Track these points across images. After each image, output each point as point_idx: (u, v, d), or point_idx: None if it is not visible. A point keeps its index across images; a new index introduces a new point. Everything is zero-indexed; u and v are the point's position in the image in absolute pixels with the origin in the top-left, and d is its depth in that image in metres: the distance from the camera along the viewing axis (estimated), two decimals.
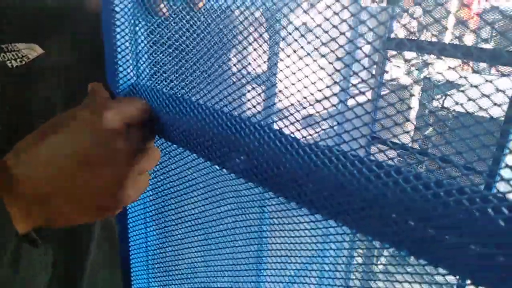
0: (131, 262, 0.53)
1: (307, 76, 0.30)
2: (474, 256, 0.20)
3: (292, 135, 0.28)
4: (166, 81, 0.41)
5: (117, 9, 0.39)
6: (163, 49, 0.41)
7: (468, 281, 0.21)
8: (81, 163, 0.31)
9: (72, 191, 0.31)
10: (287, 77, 0.30)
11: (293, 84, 0.30)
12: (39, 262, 0.31)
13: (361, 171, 0.24)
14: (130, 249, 0.53)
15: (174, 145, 0.41)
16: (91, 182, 0.31)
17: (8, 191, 0.28)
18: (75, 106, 0.34)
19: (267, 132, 0.29)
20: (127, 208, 0.50)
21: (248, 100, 0.34)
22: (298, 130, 0.29)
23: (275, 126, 0.29)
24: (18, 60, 0.44)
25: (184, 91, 0.39)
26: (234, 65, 0.35)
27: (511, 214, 0.18)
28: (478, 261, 0.19)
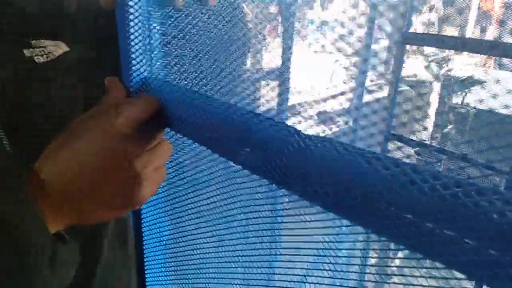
0: (145, 257, 0.54)
1: (322, 72, 0.29)
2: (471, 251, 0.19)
3: (303, 130, 0.28)
4: (178, 74, 0.40)
5: (131, 3, 0.39)
6: (176, 42, 0.41)
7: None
8: (96, 167, 0.33)
9: (93, 193, 0.33)
10: (301, 73, 0.30)
11: (307, 79, 0.30)
12: (70, 260, 0.34)
13: (373, 165, 0.23)
14: (144, 243, 0.53)
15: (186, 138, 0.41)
16: (107, 184, 0.33)
17: (40, 194, 0.31)
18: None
19: (278, 127, 0.28)
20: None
21: (259, 95, 0.33)
22: (310, 126, 0.29)
23: (288, 122, 0.29)
24: (44, 56, 0.45)
25: (196, 84, 0.39)
26: (248, 59, 0.34)
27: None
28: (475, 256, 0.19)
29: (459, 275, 0.21)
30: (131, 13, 0.39)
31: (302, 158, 0.27)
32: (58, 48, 0.45)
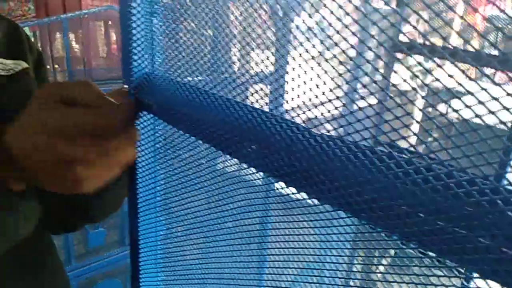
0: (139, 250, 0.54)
1: (313, 77, 0.30)
2: (483, 249, 0.20)
3: (304, 125, 0.29)
4: (180, 70, 0.41)
5: None
6: (179, 38, 0.42)
7: (476, 274, 0.21)
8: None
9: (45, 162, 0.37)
10: (297, 75, 0.31)
11: (304, 82, 0.31)
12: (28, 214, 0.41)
13: (372, 162, 0.24)
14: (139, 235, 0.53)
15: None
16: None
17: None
18: None
19: (279, 122, 0.30)
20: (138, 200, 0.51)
21: (258, 90, 0.34)
22: (304, 121, 0.30)
23: (287, 116, 0.30)
24: (5, 71, 0.52)
25: (198, 81, 0.40)
26: (246, 55, 0.35)
27: None
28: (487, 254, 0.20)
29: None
30: (134, 7, 0.40)
31: (302, 153, 0.28)
32: (19, 66, 0.53)
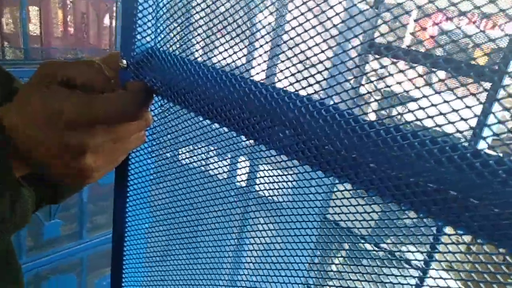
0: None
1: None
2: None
3: (344, 110, 0.27)
4: (186, 47, 0.37)
5: None
6: (186, 12, 0.38)
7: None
8: (39, 123, 0.32)
9: (39, 147, 0.33)
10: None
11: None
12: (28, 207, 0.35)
13: (406, 144, 0.23)
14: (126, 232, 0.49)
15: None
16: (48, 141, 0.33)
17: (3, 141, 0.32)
18: None
19: (317, 108, 0.27)
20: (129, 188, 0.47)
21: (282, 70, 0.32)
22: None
23: (325, 101, 0.28)
24: None
25: (208, 58, 0.37)
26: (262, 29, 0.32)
27: None
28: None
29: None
30: None
31: (341, 139, 0.26)
32: None
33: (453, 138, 0.23)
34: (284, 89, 0.29)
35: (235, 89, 0.31)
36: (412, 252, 0.27)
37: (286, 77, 0.29)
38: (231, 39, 0.35)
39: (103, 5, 3.29)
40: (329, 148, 0.26)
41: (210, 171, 0.42)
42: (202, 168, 0.42)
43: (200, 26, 0.37)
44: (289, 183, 0.34)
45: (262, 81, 0.31)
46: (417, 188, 0.23)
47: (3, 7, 3.09)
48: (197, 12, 0.36)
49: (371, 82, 0.28)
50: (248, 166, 0.46)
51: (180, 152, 0.43)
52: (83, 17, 3.42)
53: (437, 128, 0.24)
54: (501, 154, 0.21)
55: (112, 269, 0.53)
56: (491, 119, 0.24)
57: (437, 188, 0.23)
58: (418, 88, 0.24)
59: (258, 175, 0.37)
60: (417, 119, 0.24)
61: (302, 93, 0.29)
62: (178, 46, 0.38)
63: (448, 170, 0.22)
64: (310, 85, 0.27)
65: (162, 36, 0.39)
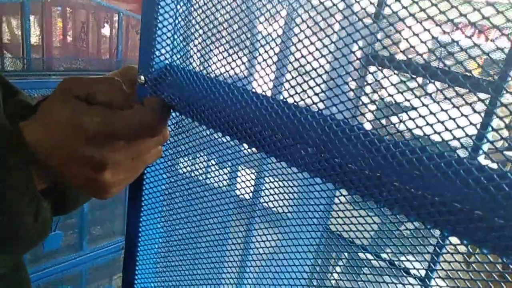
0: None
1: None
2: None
3: (365, 128, 0.27)
4: (204, 63, 0.38)
5: None
6: (202, 27, 0.39)
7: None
8: (61, 138, 0.34)
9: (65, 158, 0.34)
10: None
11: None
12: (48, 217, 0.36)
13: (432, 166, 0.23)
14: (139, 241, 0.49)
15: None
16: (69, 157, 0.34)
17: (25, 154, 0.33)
18: None
19: (341, 126, 0.28)
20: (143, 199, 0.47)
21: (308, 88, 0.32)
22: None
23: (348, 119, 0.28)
24: None
25: (222, 74, 0.37)
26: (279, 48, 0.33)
27: None
28: None
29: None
30: None
31: (364, 158, 0.26)
32: None
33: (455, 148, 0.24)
34: (307, 107, 0.30)
35: (256, 107, 0.32)
36: (418, 261, 0.28)
37: (309, 96, 0.29)
38: (247, 54, 0.35)
39: (103, 15, 3.31)
40: (353, 167, 0.27)
41: (221, 185, 0.42)
42: (215, 183, 0.43)
43: (218, 41, 0.38)
44: (294, 194, 0.35)
45: (284, 99, 0.31)
46: (443, 207, 0.23)
47: (3, 16, 3.10)
48: (214, 27, 0.37)
49: (391, 97, 0.28)
50: (259, 179, 0.47)
51: (195, 168, 0.43)
52: (83, 26, 3.44)
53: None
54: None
55: (124, 280, 0.53)
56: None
57: (462, 208, 0.23)
58: (438, 102, 0.25)
59: (269, 188, 0.38)
60: (426, 134, 0.25)
61: (326, 111, 0.29)
62: (197, 63, 0.39)
63: (475, 191, 0.22)
64: (334, 104, 0.28)
65: (181, 52, 0.40)
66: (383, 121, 0.29)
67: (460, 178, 0.23)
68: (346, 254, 0.34)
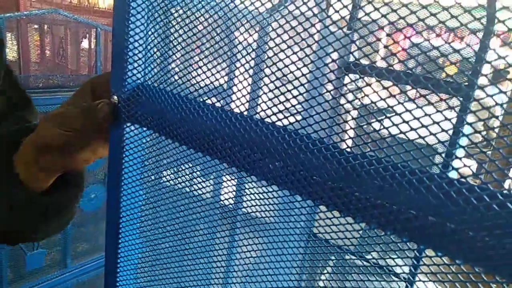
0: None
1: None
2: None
3: (332, 143, 0.29)
4: (175, 82, 0.39)
5: (133, 4, 0.37)
6: (173, 48, 0.40)
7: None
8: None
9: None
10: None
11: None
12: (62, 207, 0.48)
13: (405, 182, 0.25)
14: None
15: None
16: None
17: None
18: None
19: (304, 141, 0.29)
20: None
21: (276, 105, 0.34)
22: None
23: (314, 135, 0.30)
24: None
25: (193, 91, 0.38)
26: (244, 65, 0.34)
27: None
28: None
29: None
30: (133, 15, 0.37)
31: (329, 171, 0.28)
32: None
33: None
34: (274, 123, 0.31)
35: (225, 124, 0.33)
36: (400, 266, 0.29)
37: (281, 111, 0.31)
38: (215, 74, 0.37)
39: (82, 30, 3.29)
40: (317, 178, 0.28)
41: (196, 194, 0.43)
42: (191, 192, 0.44)
43: (189, 60, 0.39)
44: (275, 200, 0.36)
45: (252, 115, 0.33)
46: (401, 215, 0.25)
47: None
48: (187, 46, 0.38)
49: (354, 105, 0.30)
50: (234, 187, 0.48)
51: (172, 181, 0.44)
52: (61, 41, 3.40)
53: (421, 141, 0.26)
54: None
55: None
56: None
57: (417, 215, 0.25)
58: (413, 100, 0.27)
59: (244, 194, 0.39)
60: (402, 132, 0.26)
61: (290, 126, 0.31)
62: (167, 82, 0.40)
63: (427, 198, 0.24)
64: (304, 118, 0.29)
65: (152, 72, 0.41)
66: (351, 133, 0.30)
67: (414, 187, 0.25)
68: (332, 257, 0.34)
